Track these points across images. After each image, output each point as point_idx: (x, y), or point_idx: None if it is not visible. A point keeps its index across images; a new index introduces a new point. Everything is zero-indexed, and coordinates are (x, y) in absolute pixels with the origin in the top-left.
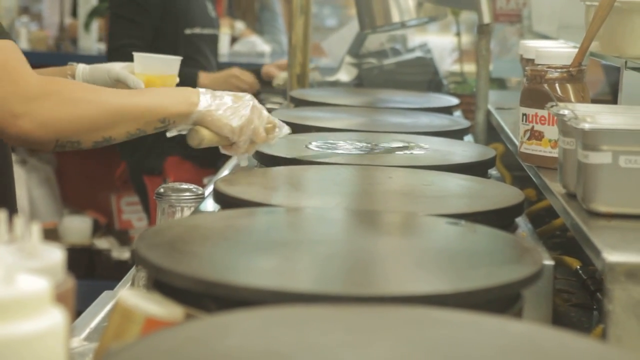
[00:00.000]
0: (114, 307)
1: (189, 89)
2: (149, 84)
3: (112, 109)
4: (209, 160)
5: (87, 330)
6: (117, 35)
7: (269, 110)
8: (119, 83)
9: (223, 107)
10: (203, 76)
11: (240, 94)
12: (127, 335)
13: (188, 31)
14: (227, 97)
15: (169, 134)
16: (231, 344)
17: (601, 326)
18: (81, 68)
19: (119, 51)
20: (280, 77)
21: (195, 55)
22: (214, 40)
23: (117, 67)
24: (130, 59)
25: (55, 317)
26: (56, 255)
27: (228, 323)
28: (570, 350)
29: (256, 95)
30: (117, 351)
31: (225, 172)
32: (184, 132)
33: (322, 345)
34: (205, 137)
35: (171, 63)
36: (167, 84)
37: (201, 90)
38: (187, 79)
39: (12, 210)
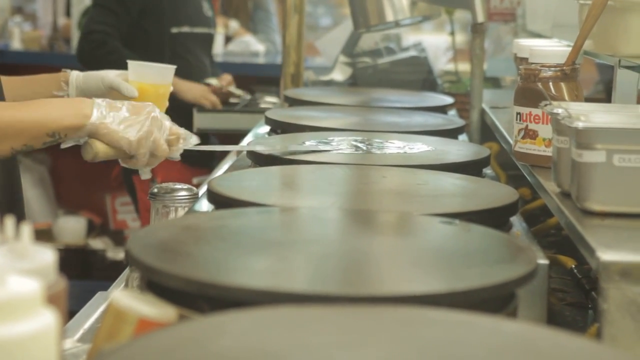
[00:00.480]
0: (107, 308)
1: (84, 99)
2: (142, 93)
3: None
4: (200, 160)
5: (81, 332)
6: (92, 21)
7: (262, 110)
8: (112, 91)
9: (118, 118)
10: (178, 82)
11: (141, 103)
12: (120, 337)
13: (175, 30)
14: (124, 108)
15: (63, 146)
16: (225, 345)
17: (596, 325)
18: (74, 75)
19: (89, 35)
20: (237, 91)
21: (185, 55)
22: (207, 39)
23: (112, 75)
24: (99, 44)
25: (47, 318)
26: (48, 256)
27: (221, 324)
28: (566, 349)
29: (251, 95)
30: (109, 352)
31: (219, 172)
32: (79, 144)
33: (316, 346)
34: (99, 151)
35: (165, 72)
36: (161, 93)
37: (97, 100)
38: None
39: (21, 215)
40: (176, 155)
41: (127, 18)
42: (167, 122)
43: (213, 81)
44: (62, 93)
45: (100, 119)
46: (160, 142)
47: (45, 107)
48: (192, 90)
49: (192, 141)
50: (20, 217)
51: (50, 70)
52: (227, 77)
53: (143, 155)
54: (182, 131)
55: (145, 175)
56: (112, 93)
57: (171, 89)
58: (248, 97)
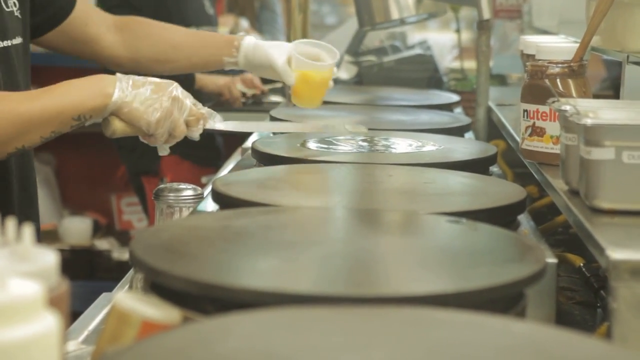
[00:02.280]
0: (110, 310)
1: (106, 76)
2: (305, 79)
3: (20, 118)
4: (208, 159)
5: (85, 333)
6: None
7: (268, 109)
8: (272, 70)
9: (140, 97)
10: (200, 77)
11: (165, 81)
12: (123, 339)
13: None
14: (147, 86)
15: (87, 124)
16: (230, 347)
17: (606, 324)
18: (246, 44)
19: None
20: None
21: None
22: None
23: (278, 60)
24: None
25: (49, 321)
26: (50, 258)
27: (226, 326)
28: (576, 351)
29: (261, 95)
30: (113, 355)
31: (225, 171)
32: (98, 121)
33: (323, 348)
34: (117, 129)
35: (330, 55)
36: (325, 77)
37: (119, 76)
38: (185, 80)
39: (34, 212)
40: (195, 135)
41: None
42: (188, 102)
43: (241, 88)
44: (232, 59)
45: (122, 97)
46: (179, 122)
47: (70, 92)
48: (215, 81)
49: (215, 120)
50: (34, 213)
51: (78, 74)
52: (253, 81)
53: (161, 135)
54: (204, 110)
55: (163, 151)
56: (271, 71)
57: (335, 70)
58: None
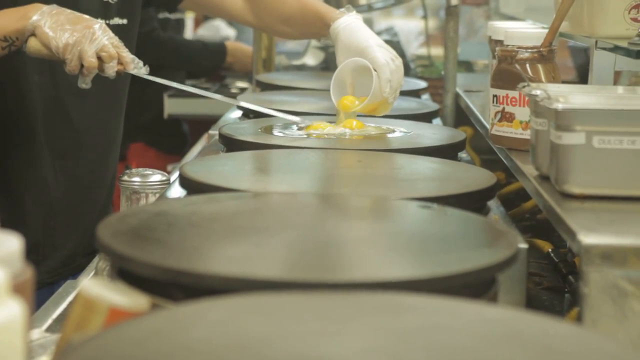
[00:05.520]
0: (76, 297)
1: (36, 5)
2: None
3: None
4: (174, 147)
5: (49, 321)
6: None
7: (234, 95)
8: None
9: (54, 23)
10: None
11: (89, 18)
12: (89, 327)
13: (160, 17)
14: (67, 16)
15: (20, 46)
16: (199, 334)
17: (576, 309)
18: (340, 26)
19: None
20: None
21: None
22: (180, 24)
23: (364, 60)
24: None
25: (13, 308)
26: (13, 244)
27: (195, 312)
28: (550, 335)
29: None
30: (79, 343)
31: (191, 157)
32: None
33: (294, 334)
34: (32, 47)
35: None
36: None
37: (48, 6)
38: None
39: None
40: (109, 72)
41: None
42: (105, 40)
43: None
44: (328, 40)
45: (38, 21)
46: (87, 53)
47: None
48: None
49: (141, 70)
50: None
51: None
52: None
53: (70, 61)
54: (126, 55)
55: (82, 84)
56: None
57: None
58: None
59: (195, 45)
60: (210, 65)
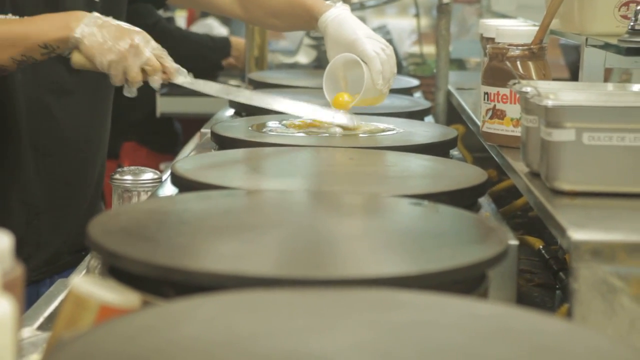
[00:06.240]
0: (67, 294)
1: (79, 13)
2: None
3: None
4: (166, 145)
5: (40, 319)
6: None
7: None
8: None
9: (98, 38)
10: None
11: (132, 28)
12: (80, 324)
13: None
14: (111, 29)
15: (63, 54)
16: (190, 331)
17: (566, 305)
18: (329, 18)
19: None
20: None
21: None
22: (170, 22)
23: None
24: None
25: (3, 306)
26: (3, 241)
27: (186, 309)
28: (540, 330)
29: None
30: (70, 340)
31: (183, 155)
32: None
33: (285, 330)
34: (76, 61)
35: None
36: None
37: (92, 15)
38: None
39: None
40: (155, 84)
41: None
42: (148, 52)
43: None
44: (317, 34)
45: (82, 34)
46: (132, 68)
47: (37, 21)
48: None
49: (180, 78)
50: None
51: None
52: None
53: (115, 76)
54: (169, 65)
55: (128, 93)
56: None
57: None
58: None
59: (202, 38)
60: (217, 58)
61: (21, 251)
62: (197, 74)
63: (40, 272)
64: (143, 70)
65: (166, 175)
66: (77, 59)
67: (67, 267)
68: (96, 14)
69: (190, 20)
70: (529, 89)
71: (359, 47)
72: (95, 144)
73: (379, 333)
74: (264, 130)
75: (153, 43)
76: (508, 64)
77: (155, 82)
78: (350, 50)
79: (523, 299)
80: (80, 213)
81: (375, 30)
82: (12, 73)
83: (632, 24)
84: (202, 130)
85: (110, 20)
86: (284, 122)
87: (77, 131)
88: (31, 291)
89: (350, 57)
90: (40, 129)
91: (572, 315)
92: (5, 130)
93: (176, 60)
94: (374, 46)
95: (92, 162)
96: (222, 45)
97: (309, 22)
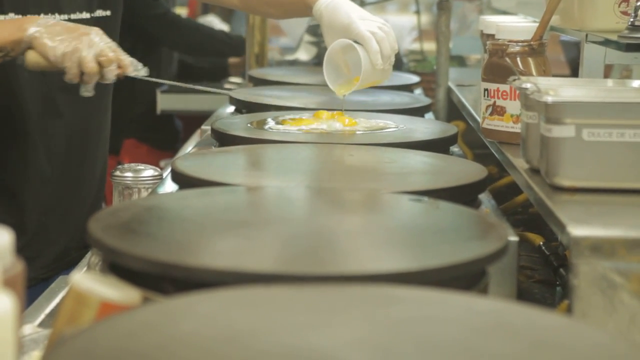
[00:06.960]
0: (68, 291)
1: (32, 17)
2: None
3: None
4: (166, 142)
5: (42, 316)
6: None
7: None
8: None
9: (51, 35)
10: None
11: (84, 26)
12: (81, 321)
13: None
14: (62, 27)
15: (15, 56)
16: (190, 327)
17: (566, 302)
18: (323, 5)
19: None
20: None
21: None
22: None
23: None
24: None
25: (4, 302)
26: (3, 238)
27: (186, 306)
28: (540, 326)
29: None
30: (70, 337)
31: (184, 152)
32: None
33: (285, 326)
34: (30, 60)
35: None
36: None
37: (43, 18)
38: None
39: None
40: (108, 76)
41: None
42: (101, 44)
43: None
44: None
45: (34, 33)
46: (86, 59)
47: None
48: None
49: (141, 72)
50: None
51: None
52: None
53: (70, 69)
54: (125, 58)
55: (85, 92)
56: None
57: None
58: None
59: (217, 33)
60: (233, 54)
61: (32, 249)
62: (209, 70)
63: (50, 269)
64: (98, 64)
65: (166, 172)
66: (31, 57)
67: (73, 264)
68: (49, 17)
69: (191, 16)
70: (528, 85)
71: (353, 30)
72: (98, 139)
73: (379, 329)
74: (264, 127)
75: (107, 38)
76: (508, 60)
77: (110, 73)
78: (345, 34)
79: (523, 295)
80: (86, 209)
81: None
82: (17, 72)
83: (632, 20)
84: (203, 127)
85: (60, 21)
86: (279, 118)
87: (82, 127)
88: (41, 289)
89: (345, 42)
90: (49, 127)
91: (572, 311)
92: (16, 129)
93: (186, 50)
94: (368, 26)
95: (95, 157)
96: (237, 43)
97: (303, 10)
